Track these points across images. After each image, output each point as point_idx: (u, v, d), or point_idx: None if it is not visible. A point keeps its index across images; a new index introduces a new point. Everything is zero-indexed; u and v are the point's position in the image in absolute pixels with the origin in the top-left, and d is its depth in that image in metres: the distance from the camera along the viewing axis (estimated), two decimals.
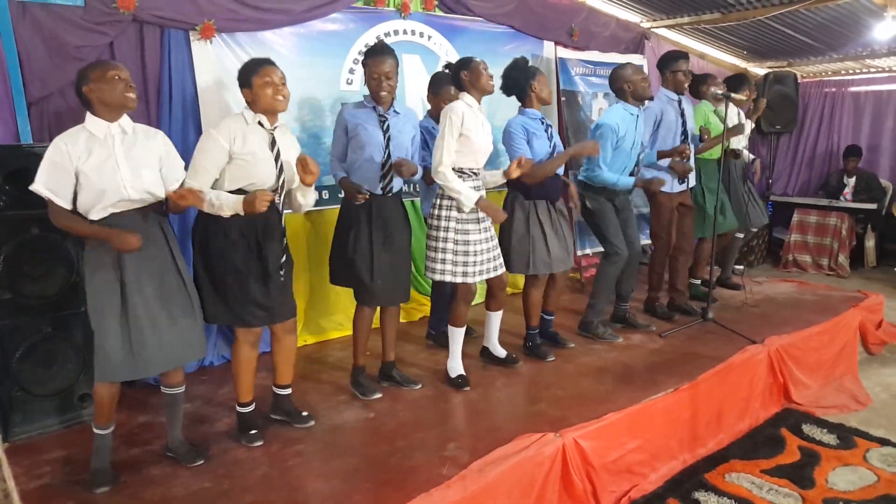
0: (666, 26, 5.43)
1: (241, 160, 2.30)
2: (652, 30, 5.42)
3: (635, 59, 5.02)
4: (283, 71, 2.24)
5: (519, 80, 3.16)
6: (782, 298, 4.40)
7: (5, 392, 2.49)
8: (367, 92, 2.77)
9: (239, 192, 2.31)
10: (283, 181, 2.39)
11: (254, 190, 2.27)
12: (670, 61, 3.82)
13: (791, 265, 6.17)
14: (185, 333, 2.23)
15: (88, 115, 2.10)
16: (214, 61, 3.14)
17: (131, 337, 2.10)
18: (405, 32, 3.89)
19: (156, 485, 2.18)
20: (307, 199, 2.51)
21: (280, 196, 2.39)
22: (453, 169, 2.77)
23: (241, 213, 2.26)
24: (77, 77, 2.10)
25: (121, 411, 2.68)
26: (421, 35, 3.96)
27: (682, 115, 3.85)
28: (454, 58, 4.09)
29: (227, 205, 2.26)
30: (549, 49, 4.73)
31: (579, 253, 4.84)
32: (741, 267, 5.42)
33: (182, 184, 2.24)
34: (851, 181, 6.22)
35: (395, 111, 2.78)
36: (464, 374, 3.00)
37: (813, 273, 5.99)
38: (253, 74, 2.33)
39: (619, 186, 3.47)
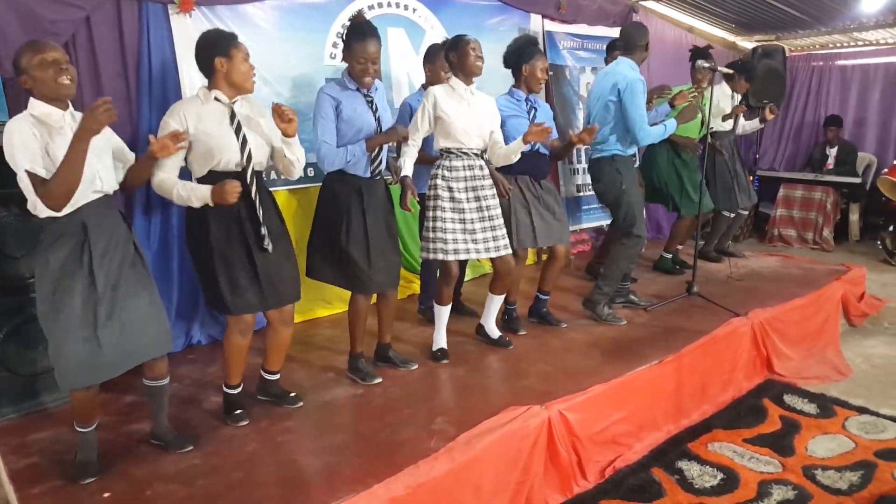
0: None
1: (199, 140, 2.23)
2: (640, 2, 5.35)
3: None
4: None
5: (510, 59, 3.16)
6: (767, 272, 4.45)
7: None
8: (344, 68, 2.64)
9: (210, 174, 2.25)
10: (249, 154, 2.26)
11: (224, 178, 2.18)
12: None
13: (776, 240, 6.22)
14: (149, 327, 2.10)
15: (33, 101, 1.91)
16: (194, 35, 3.02)
17: (98, 334, 1.96)
18: (389, 5, 3.82)
19: (145, 462, 2.19)
20: (295, 152, 2.36)
21: (249, 171, 2.27)
22: (441, 149, 2.86)
23: (211, 205, 2.20)
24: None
25: (108, 391, 2.67)
26: (405, 7, 3.89)
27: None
28: (439, 31, 4.04)
29: (196, 196, 2.21)
30: (536, 22, 4.66)
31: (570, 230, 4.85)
32: (727, 242, 5.46)
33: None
34: (833, 151, 6.26)
35: (375, 88, 2.67)
36: (444, 347, 3.02)
37: (798, 247, 6.04)
38: (232, 46, 2.24)
39: (665, 135, 3.38)
